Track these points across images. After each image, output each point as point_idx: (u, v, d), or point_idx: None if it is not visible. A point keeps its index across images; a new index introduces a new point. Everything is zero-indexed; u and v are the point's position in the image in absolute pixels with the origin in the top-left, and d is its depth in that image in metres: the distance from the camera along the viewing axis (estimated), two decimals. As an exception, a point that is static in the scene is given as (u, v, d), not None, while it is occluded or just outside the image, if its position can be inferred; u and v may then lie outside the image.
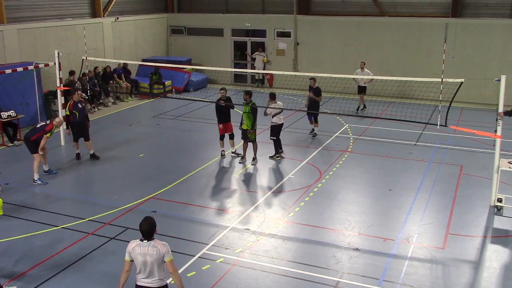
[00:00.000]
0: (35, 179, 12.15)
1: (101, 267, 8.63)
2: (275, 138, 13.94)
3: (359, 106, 19.08)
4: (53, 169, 12.89)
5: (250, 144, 13.66)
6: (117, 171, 13.28)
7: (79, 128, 13.78)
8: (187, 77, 23.07)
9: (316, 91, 15.72)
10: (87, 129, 13.91)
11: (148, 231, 6.11)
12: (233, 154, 14.12)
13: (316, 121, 16.05)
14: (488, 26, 20.64)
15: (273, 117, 13.80)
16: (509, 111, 10.58)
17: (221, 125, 13.82)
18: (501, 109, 10.59)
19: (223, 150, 14.07)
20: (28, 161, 12.74)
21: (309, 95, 15.91)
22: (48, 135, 12.05)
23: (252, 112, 13.25)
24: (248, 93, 13.37)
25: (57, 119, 12.44)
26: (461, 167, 13.43)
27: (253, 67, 24.18)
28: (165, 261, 6.14)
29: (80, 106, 13.80)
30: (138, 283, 6.29)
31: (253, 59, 24.33)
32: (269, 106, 13.74)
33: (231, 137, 14.08)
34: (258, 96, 20.88)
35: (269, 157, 14.03)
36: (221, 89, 13.89)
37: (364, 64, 18.84)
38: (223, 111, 13.74)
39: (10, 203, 11.04)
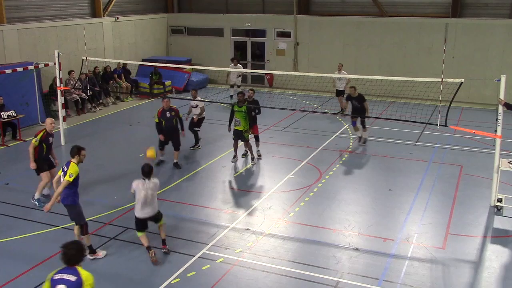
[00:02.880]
0: (35, 197, 11.04)
1: (101, 267, 8.62)
2: (199, 129, 14.63)
3: (342, 109, 18.77)
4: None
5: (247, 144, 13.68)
6: (117, 171, 13.28)
7: (164, 136, 13.20)
8: (187, 77, 23.07)
9: (360, 99, 14.95)
10: (177, 138, 13.25)
11: (148, 172, 8.62)
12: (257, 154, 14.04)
13: (364, 126, 15.28)
14: (488, 26, 20.65)
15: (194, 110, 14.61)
16: (509, 104, 10.58)
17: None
18: (502, 96, 10.60)
19: (245, 150, 13.98)
20: (27, 161, 12.70)
21: (344, 104, 15.28)
22: (33, 140, 10.72)
23: (248, 113, 13.25)
24: (243, 94, 13.45)
25: (47, 120, 11.14)
26: (461, 167, 13.44)
27: (232, 86, 21.00)
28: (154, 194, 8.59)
29: (168, 115, 13.03)
30: (139, 215, 8.68)
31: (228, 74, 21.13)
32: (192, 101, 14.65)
33: (256, 138, 13.93)
34: (259, 96, 20.91)
35: (190, 147, 14.70)
36: (250, 89, 13.91)
37: (342, 65, 18.69)
38: (252, 112, 13.62)
39: (10, 203, 11.06)
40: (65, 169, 8.55)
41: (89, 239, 8.82)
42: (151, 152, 10.07)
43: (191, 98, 14.67)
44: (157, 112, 13.23)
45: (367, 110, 15.00)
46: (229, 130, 13.71)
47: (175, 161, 13.37)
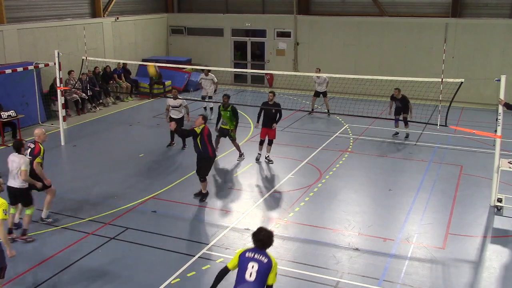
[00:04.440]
0: (44, 217, 10.16)
1: (101, 267, 8.62)
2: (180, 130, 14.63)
3: (313, 109, 19.07)
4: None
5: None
6: (117, 171, 13.28)
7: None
8: (187, 77, 23.07)
9: (403, 101, 15.64)
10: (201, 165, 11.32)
11: (15, 147, 9.22)
12: (265, 160, 13.86)
13: (406, 123, 15.72)
14: (488, 26, 20.65)
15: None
16: (509, 104, 10.58)
17: (263, 129, 13.62)
18: (502, 96, 10.61)
19: (259, 154, 13.88)
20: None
21: (391, 104, 16.04)
22: (38, 159, 9.57)
23: (233, 114, 13.53)
24: (228, 97, 13.69)
25: (36, 131, 9.92)
26: (461, 167, 13.44)
27: (203, 98, 18.58)
28: (21, 170, 9.05)
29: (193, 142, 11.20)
30: (7, 184, 9.26)
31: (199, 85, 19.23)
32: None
33: (270, 143, 13.72)
34: (259, 96, 20.88)
35: (167, 146, 15.03)
36: (270, 92, 13.68)
37: (320, 70, 18.84)
38: (267, 116, 13.47)
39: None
40: None
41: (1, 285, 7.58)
42: (151, 69, 10.19)
43: (172, 97, 14.73)
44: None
45: (411, 110, 15.65)
46: (216, 130, 13.91)
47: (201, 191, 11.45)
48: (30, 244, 9.35)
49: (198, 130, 10.88)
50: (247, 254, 5.97)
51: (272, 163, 13.70)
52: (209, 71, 18.58)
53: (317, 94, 18.97)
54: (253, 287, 5.83)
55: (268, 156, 13.83)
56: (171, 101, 14.71)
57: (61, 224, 10.10)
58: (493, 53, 20.56)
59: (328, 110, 18.33)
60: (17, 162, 9.10)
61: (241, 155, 13.98)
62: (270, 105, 13.40)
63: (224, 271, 6.07)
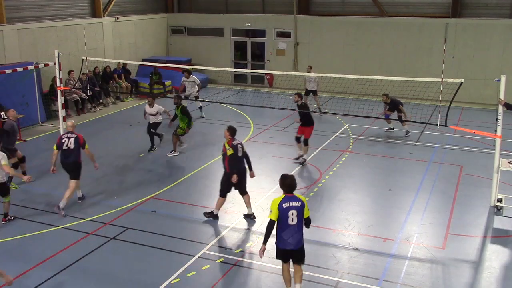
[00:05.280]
0: (61, 206, 10.47)
1: (101, 267, 8.63)
2: (154, 131, 14.93)
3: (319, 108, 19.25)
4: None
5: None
6: (117, 171, 13.28)
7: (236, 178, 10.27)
8: (187, 77, 23.05)
9: (393, 104, 16.02)
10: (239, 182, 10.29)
11: None
12: (298, 160, 13.74)
13: (402, 122, 15.89)
14: (488, 26, 20.65)
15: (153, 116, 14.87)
16: (509, 104, 10.58)
17: (299, 126, 13.76)
18: (502, 96, 10.61)
19: (299, 153, 13.74)
20: (28, 161, 12.71)
21: (385, 111, 16.30)
22: (87, 146, 10.82)
23: (182, 112, 14.17)
24: (179, 97, 14.50)
25: (69, 123, 10.95)
26: (461, 167, 13.44)
27: (186, 98, 17.78)
28: (1, 164, 9.46)
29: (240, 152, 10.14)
30: None
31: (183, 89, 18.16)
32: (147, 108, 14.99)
33: (304, 142, 13.58)
34: (258, 96, 20.89)
35: (149, 150, 14.78)
36: (295, 93, 13.77)
37: (311, 68, 19.11)
38: (301, 115, 13.65)
39: (10, 203, 11.03)
40: None
41: None
42: None
43: (150, 104, 14.91)
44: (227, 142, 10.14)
45: (404, 113, 15.93)
46: (169, 126, 15.01)
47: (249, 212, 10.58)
48: (30, 244, 9.37)
49: (229, 152, 10.04)
50: (284, 205, 7.11)
51: (300, 163, 13.50)
52: (189, 73, 17.92)
53: (307, 92, 19.02)
54: (297, 228, 7.19)
55: (302, 156, 13.65)
56: (147, 108, 14.93)
57: (61, 224, 10.10)
58: (493, 53, 20.57)
59: (320, 109, 18.36)
60: None
61: (172, 150, 14.30)
62: (299, 107, 13.58)
63: (272, 223, 7.16)
